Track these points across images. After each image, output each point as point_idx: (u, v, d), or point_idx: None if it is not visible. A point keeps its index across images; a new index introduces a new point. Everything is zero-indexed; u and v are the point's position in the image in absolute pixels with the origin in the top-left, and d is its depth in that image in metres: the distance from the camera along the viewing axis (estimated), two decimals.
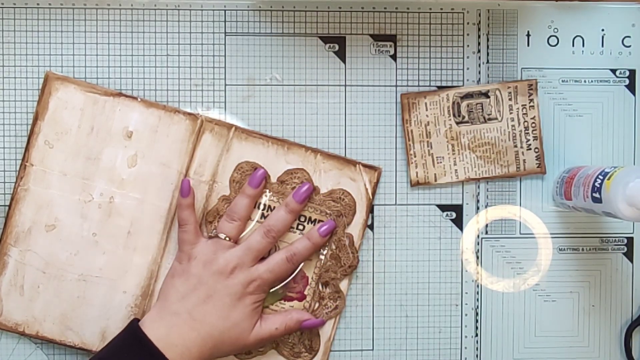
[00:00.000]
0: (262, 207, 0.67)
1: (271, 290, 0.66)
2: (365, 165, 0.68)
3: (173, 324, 0.61)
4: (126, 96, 0.66)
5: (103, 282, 0.66)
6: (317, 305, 0.67)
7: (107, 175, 0.66)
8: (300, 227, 0.67)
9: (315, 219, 0.67)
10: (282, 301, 0.67)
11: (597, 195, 0.59)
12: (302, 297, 0.67)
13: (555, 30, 0.69)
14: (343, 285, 0.68)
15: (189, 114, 0.67)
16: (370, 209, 0.68)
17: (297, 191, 0.65)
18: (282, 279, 0.66)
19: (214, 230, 0.65)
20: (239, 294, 0.63)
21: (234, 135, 0.67)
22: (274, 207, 0.66)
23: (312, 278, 0.67)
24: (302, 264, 0.66)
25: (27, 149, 0.66)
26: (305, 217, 0.67)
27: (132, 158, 0.66)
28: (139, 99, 0.67)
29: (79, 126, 0.66)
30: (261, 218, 0.66)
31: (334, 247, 0.67)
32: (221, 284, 0.62)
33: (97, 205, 0.66)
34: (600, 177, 0.60)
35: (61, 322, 0.66)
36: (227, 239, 0.64)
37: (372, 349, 0.69)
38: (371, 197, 0.68)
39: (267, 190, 0.67)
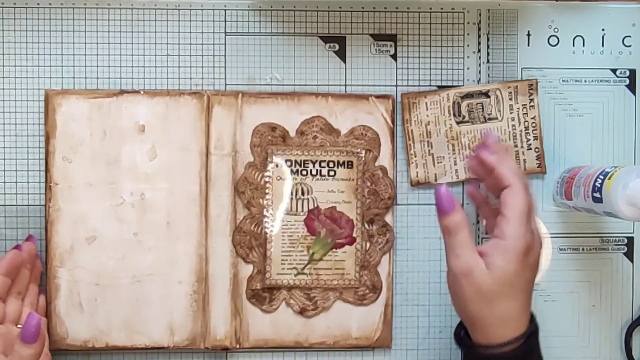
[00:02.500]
0: (293, 163, 0.67)
1: (321, 240, 0.66)
2: (377, 96, 0.68)
3: None
4: (129, 92, 0.66)
5: (156, 279, 0.66)
6: (368, 244, 0.67)
7: (131, 174, 0.66)
8: (332, 172, 0.67)
9: (344, 162, 0.67)
10: (334, 249, 0.67)
11: (597, 195, 0.59)
12: (352, 241, 0.67)
13: (556, 30, 0.69)
14: (388, 218, 0.68)
15: (194, 92, 0.67)
16: (394, 136, 0.68)
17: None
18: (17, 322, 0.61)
19: None
20: None
21: (242, 102, 0.67)
22: (303, 161, 0.67)
23: (356, 219, 0.67)
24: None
25: (47, 169, 0.66)
26: (334, 161, 0.67)
27: (150, 151, 0.66)
28: (142, 92, 0.67)
29: (91, 134, 0.66)
30: (297, 175, 0.67)
31: (369, 183, 0.67)
32: None
33: (130, 206, 0.66)
34: (601, 177, 0.59)
35: (127, 328, 0.66)
36: None
37: (372, 349, 0.69)
38: (392, 125, 0.68)
39: (290, 150, 0.67)
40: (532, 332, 0.58)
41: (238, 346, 0.67)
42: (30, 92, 0.67)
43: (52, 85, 0.67)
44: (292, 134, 0.67)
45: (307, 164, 0.67)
